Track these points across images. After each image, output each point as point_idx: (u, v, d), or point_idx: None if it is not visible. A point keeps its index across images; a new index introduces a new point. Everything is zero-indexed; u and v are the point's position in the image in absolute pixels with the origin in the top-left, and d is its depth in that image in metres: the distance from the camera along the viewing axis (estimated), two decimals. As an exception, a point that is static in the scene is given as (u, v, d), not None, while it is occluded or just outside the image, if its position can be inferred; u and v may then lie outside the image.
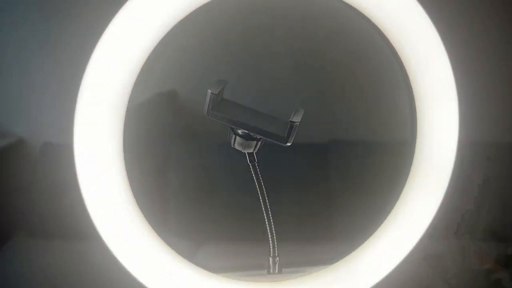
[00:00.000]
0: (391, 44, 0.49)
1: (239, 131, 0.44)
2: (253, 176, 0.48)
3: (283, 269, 0.52)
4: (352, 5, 0.48)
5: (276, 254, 0.51)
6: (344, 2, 0.48)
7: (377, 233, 0.52)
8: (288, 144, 0.44)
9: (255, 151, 0.46)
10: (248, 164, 0.47)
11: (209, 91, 0.42)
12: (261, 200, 0.48)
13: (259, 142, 0.45)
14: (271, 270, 0.52)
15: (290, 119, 0.43)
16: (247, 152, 0.46)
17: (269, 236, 0.51)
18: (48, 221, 1.83)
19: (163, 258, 0.47)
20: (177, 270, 0.47)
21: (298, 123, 0.42)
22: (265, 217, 0.49)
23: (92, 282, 1.45)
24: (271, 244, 0.51)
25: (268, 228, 0.50)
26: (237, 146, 0.45)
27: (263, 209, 0.49)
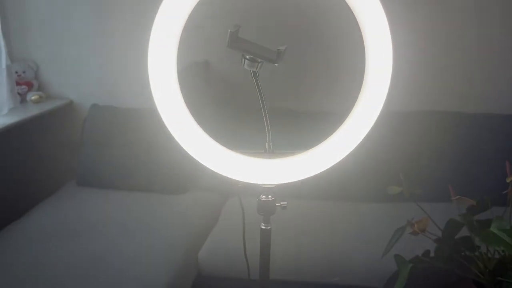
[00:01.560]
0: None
1: (247, 56, 0.72)
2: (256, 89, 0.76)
3: (275, 150, 0.80)
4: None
5: (271, 140, 0.80)
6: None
7: (341, 128, 0.78)
8: (276, 64, 0.71)
9: (258, 69, 0.73)
10: (253, 79, 0.75)
11: (229, 30, 0.70)
12: (260, 103, 0.76)
13: (259, 63, 0.72)
14: (266, 151, 0.80)
15: (278, 48, 0.70)
16: (252, 71, 0.73)
17: (266, 128, 0.79)
18: (94, 172, 2.18)
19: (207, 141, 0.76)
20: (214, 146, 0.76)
21: (282, 50, 0.70)
22: (264, 115, 0.77)
23: (131, 226, 1.78)
24: (267, 134, 0.79)
25: (265, 123, 0.78)
26: (246, 67, 0.73)
27: (262, 109, 0.77)
